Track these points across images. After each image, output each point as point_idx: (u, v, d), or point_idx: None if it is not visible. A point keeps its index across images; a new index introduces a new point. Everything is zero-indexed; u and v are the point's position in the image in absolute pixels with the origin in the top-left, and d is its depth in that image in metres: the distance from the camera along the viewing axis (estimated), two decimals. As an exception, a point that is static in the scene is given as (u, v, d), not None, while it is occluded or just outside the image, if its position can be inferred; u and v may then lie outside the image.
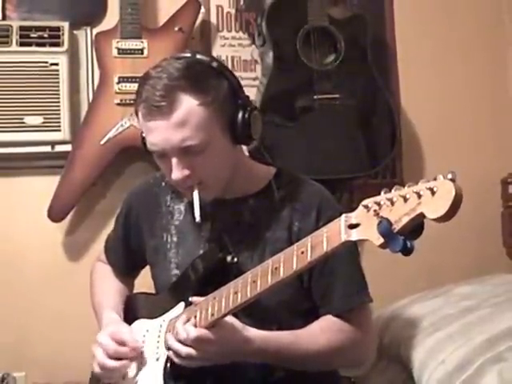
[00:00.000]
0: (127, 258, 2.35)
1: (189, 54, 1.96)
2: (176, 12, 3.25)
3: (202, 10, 3.33)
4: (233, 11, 3.47)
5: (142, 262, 2.32)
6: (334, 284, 2.02)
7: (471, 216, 3.10)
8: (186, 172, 1.93)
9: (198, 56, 1.95)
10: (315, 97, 3.22)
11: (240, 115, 1.93)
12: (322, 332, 2.00)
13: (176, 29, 3.20)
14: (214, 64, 1.93)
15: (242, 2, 3.48)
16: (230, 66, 3.38)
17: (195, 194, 1.97)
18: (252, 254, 2.04)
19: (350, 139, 3.29)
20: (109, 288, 2.34)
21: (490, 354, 2.25)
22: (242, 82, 3.31)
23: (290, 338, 1.96)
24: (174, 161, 1.92)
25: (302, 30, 3.25)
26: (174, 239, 2.17)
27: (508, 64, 3.78)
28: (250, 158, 2.19)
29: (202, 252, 2.08)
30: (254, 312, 1.87)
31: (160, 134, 1.89)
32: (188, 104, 1.86)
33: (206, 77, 1.90)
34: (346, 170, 3.28)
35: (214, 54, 3.40)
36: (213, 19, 3.44)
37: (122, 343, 2.01)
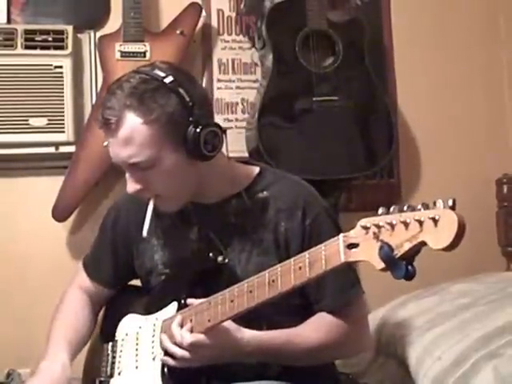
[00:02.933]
0: (115, 269, 2.32)
1: (148, 68, 1.96)
2: (178, 16, 3.28)
3: (203, 13, 3.36)
4: (233, 15, 3.49)
5: (130, 272, 2.30)
6: (326, 280, 1.99)
7: (467, 215, 3.11)
8: (139, 186, 1.96)
9: (156, 70, 1.94)
10: (314, 99, 3.23)
11: (190, 132, 1.90)
12: (317, 329, 2.03)
13: (178, 32, 3.21)
14: (168, 79, 1.91)
15: (242, 6, 3.50)
16: (230, 69, 3.44)
17: (149, 207, 2.00)
18: (239, 255, 2.06)
19: (348, 140, 3.30)
20: (71, 324, 2.27)
21: (486, 350, 2.27)
22: (243, 85, 3.41)
23: (284, 337, 1.98)
24: (127, 175, 1.97)
25: (301, 34, 3.26)
26: (161, 242, 2.18)
27: (503, 66, 3.80)
28: (231, 160, 2.15)
29: (191, 252, 2.10)
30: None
31: (112, 149, 1.95)
32: (132, 122, 1.88)
33: (152, 95, 1.88)
34: (344, 171, 3.29)
35: (215, 56, 3.44)
36: (214, 23, 3.47)
37: None
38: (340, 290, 2.05)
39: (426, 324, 2.55)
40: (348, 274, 2.08)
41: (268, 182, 2.11)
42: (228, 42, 3.48)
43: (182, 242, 2.13)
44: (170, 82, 1.91)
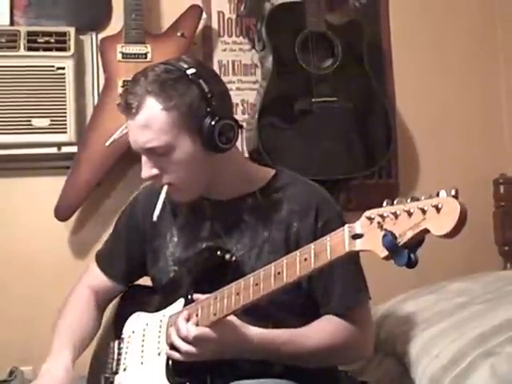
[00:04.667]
0: (127, 264, 2.35)
1: (173, 60, 2.03)
2: (179, 18, 3.29)
3: (204, 15, 3.37)
4: (233, 17, 3.51)
5: (141, 268, 2.33)
6: (334, 283, 2.05)
7: (464, 215, 3.14)
8: (155, 171, 2.00)
9: (180, 62, 2.00)
10: (313, 100, 3.25)
11: (206, 123, 1.95)
12: (322, 330, 2.04)
13: (179, 34, 3.23)
14: (190, 71, 1.97)
15: (242, 8, 3.51)
16: (230, 70, 3.46)
17: (162, 193, 2.03)
18: (250, 252, 2.08)
19: (347, 141, 3.33)
20: (75, 325, 2.28)
21: (483, 348, 2.28)
22: (243, 86, 3.42)
23: (288, 337, 1.99)
24: (144, 159, 2.01)
25: (300, 35, 3.28)
26: (175, 239, 2.21)
27: (499, 68, 3.82)
28: (248, 160, 2.23)
29: (199, 250, 2.12)
30: (249, 309, 1.87)
31: (131, 133, 2.00)
32: (151, 107, 1.94)
33: (173, 83, 1.95)
34: (343, 171, 3.32)
35: (216, 58, 3.46)
36: (214, 25, 3.49)
37: None
38: (347, 293, 2.08)
39: (423, 322, 2.57)
40: (356, 279, 2.11)
41: (283, 183, 2.14)
42: (228, 43, 3.51)
43: (194, 241, 2.16)
44: (192, 74, 1.96)
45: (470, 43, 3.80)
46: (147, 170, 2.02)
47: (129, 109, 1.96)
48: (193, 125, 1.96)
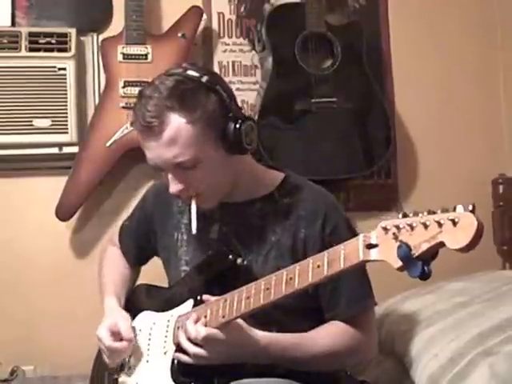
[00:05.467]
0: (136, 249, 2.41)
1: (180, 70, 1.99)
2: (179, 19, 3.30)
3: (204, 16, 3.37)
4: (234, 18, 3.52)
5: (150, 256, 2.41)
6: (341, 290, 2.05)
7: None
8: (181, 186, 1.99)
9: (189, 72, 1.97)
10: (313, 100, 3.26)
11: (231, 127, 1.95)
12: (327, 335, 2.05)
13: (179, 35, 3.24)
14: (204, 79, 1.95)
15: (242, 9, 3.52)
16: (230, 71, 3.47)
17: (193, 206, 2.03)
18: (256, 256, 2.08)
19: (346, 141, 3.33)
20: (115, 273, 2.39)
21: (482, 347, 2.29)
22: (243, 87, 3.43)
23: (294, 341, 2.00)
24: (170, 176, 1.99)
25: (300, 36, 3.29)
26: (184, 237, 2.21)
27: (499, 68, 3.82)
28: (258, 163, 2.22)
29: (211, 252, 2.12)
30: (254, 313, 1.87)
31: (153, 151, 1.96)
32: (176, 123, 1.90)
33: (193, 94, 1.93)
34: (342, 171, 3.32)
35: (216, 59, 3.47)
36: (214, 26, 3.49)
37: (118, 334, 2.09)
38: (354, 299, 2.08)
39: (422, 322, 2.57)
40: (363, 285, 2.12)
41: (292, 188, 2.14)
42: (228, 44, 3.51)
43: (203, 241, 2.17)
44: (207, 81, 1.96)
45: (470, 43, 3.80)
46: (174, 185, 2.00)
47: (151, 129, 1.92)
48: (217, 132, 1.95)
